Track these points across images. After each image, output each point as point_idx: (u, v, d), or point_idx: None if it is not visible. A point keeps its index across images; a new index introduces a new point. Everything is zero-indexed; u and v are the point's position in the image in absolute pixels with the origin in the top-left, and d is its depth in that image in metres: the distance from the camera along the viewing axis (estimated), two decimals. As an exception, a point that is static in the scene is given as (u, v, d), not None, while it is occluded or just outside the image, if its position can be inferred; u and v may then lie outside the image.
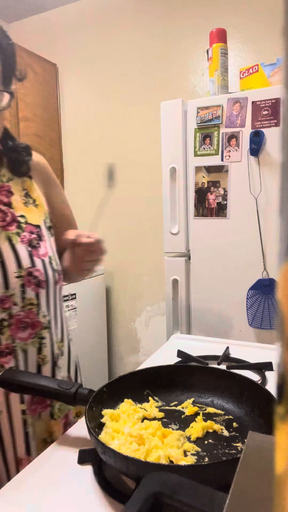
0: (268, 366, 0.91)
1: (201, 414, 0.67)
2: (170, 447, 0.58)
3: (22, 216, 0.80)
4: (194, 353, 1.00)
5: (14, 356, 0.74)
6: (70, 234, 0.81)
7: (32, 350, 0.77)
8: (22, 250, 0.76)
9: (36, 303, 0.77)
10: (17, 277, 0.74)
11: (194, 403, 0.73)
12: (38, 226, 0.81)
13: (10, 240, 0.75)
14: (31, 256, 0.77)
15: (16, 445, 0.76)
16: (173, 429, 0.65)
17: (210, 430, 0.64)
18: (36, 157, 0.91)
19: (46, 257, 0.80)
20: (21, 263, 0.75)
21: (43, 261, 0.79)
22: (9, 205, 0.79)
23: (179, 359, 0.99)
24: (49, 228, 0.86)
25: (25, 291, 0.75)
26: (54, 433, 0.82)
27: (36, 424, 0.79)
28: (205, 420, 0.66)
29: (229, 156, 1.55)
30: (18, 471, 0.75)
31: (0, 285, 0.72)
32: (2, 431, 0.75)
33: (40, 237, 0.81)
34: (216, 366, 0.93)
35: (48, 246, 0.83)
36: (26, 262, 0.76)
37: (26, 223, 0.80)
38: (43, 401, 0.80)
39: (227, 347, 1.04)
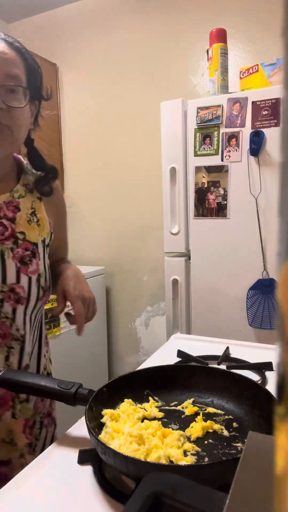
0: (268, 366, 0.91)
1: (201, 414, 0.67)
2: (170, 447, 0.58)
3: (21, 232, 0.82)
4: (194, 353, 1.00)
5: None
6: (69, 285, 0.84)
7: (0, 357, 0.79)
8: (11, 266, 0.78)
9: (11, 317, 0.79)
10: None
11: (194, 403, 0.73)
12: (35, 244, 0.84)
13: (2, 255, 0.78)
14: (18, 272, 0.79)
15: None
16: (173, 429, 0.65)
17: (210, 430, 0.64)
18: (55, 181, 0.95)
19: (35, 274, 0.82)
20: (6, 278, 0.77)
21: (30, 278, 0.81)
22: (12, 220, 0.81)
23: (179, 359, 0.99)
24: (46, 246, 0.88)
25: (2, 306, 0.77)
26: (14, 431, 0.81)
27: None
28: (205, 420, 0.66)
29: (229, 156, 1.55)
30: None
31: None
32: None
33: (33, 254, 0.83)
34: (216, 366, 0.93)
35: (41, 263, 0.84)
36: (10, 278, 0.78)
37: (24, 239, 0.82)
38: (5, 403, 0.80)
39: (227, 347, 1.04)
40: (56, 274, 0.93)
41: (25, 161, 0.92)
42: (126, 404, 0.70)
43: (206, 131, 1.58)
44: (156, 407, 0.72)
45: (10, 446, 0.81)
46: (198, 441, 0.62)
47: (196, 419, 0.67)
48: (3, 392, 0.79)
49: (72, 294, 0.84)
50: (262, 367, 0.91)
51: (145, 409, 0.70)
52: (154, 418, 0.68)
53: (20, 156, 0.92)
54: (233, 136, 1.53)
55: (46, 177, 0.90)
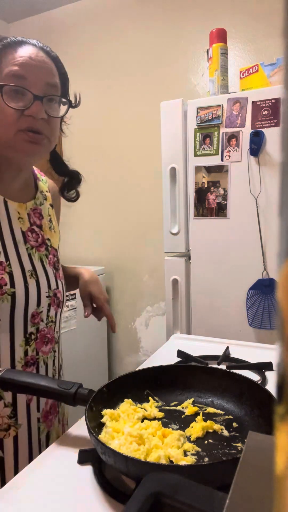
0: (268, 366, 0.91)
1: (201, 414, 0.67)
2: (170, 447, 0.58)
3: (48, 239, 0.86)
4: (194, 353, 1.00)
5: (36, 368, 0.79)
6: (95, 290, 0.91)
7: (50, 363, 0.83)
8: (50, 272, 0.82)
9: (54, 321, 0.83)
10: (47, 296, 0.80)
11: (194, 403, 0.73)
12: (57, 250, 0.88)
13: (42, 261, 0.81)
14: (56, 278, 0.84)
15: (32, 456, 0.78)
16: (173, 429, 0.65)
17: (210, 430, 0.64)
18: (51, 182, 0.96)
19: (63, 280, 0.87)
20: (50, 284, 0.81)
21: (62, 283, 0.86)
22: (40, 227, 0.84)
23: (179, 359, 0.99)
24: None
25: (50, 310, 0.81)
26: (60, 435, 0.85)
27: (51, 433, 0.83)
28: (205, 420, 0.66)
29: (229, 156, 1.55)
30: None
31: (34, 302, 0.77)
32: (18, 444, 0.76)
33: (58, 260, 0.88)
34: (216, 366, 0.93)
35: (61, 269, 0.89)
36: (53, 284, 0.82)
37: (51, 246, 0.86)
38: (55, 410, 0.85)
39: (227, 347, 1.04)
40: (68, 275, 0.96)
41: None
42: (126, 404, 0.70)
43: (206, 131, 1.58)
44: (156, 407, 0.72)
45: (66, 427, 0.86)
46: (198, 441, 0.62)
47: (196, 419, 0.67)
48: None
49: (99, 299, 0.91)
50: (262, 367, 0.91)
51: (145, 409, 0.70)
52: (154, 418, 0.68)
53: None
54: (233, 136, 1.53)
55: (71, 183, 0.92)
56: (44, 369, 0.81)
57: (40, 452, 0.78)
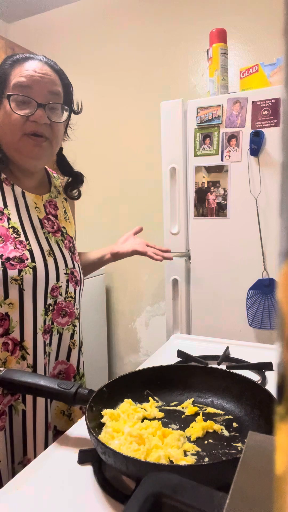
0: (268, 366, 0.91)
1: (201, 414, 0.67)
2: (170, 447, 0.58)
3: (63, 227, 0.96)
4: (194, 353, 1.00)
5: (50, 335, 0.87)
6: (127, 246, 1.11)
7: (66, 334, 0.91)
8: (67, 254, 0.92)
9: (73, 297, 0.93)
10: (65, 273, 0.90)
11: (194, 403, 0.73)
12: (72, 238, 0.99)
13: (58, 244, 0.91)
14: (72, 259, 0.94)
15: (36, 442, 0.83)
16: (173, 429, 0.65)
17: (210, 430, 0.64)
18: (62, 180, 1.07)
19: (79, 263, 0.98)
20: (67, 263, 0.91)
21: (78, 265, 0.96)
22: (56, 216, 0.95)
23: (179, 359, 0.99)
24: (75, 241, 1.03)
25: (68, 286, 0.91)
26: (73, 407, 0.92)
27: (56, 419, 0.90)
28: (205, 420, 0.66)
29: (229, 156, 1.55)
30: None
31: (53, 276, 0.86)
32: (27, 430, 0.82)
33: (74, 246, 0.98)
34: (216, 366, 0.93)
35: (78, 254, 1.00)
36: (70, 263, 0.92)
37: (66, 233, 0.96)
38: (68, 378, 0.93)
39: (227, 347, 1.04)
40: (92, 260, 1.12)
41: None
42: (126, 404, 0.70)
43: (206, 131, 1.58)
44: (156, 407, 0.72)
45: (68, 419, 0.92)
46: (198, 441, 0.62)
47: (196, 419, 0.67)
48: (67, 367, 0.92)
49: (139, 249, 1.09)
50: (262, 367, 0.91)
51: (145, 409, 0.70)
52: (154, 418, 0.68)
53: None
54: (233, 136, 1.53)
55: (74, 183, 1.03)
56: (57, 338, 0.89)
57: (46, 437, 0.84)
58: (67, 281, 0.90)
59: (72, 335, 0.92)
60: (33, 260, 0.82)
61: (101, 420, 0.65)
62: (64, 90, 0.88)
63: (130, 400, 0.71)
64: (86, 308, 2.26)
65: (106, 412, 0.66)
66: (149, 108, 2.33)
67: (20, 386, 0.68)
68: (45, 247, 0.87)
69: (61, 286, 0.88)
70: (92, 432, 0.55)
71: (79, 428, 0.70)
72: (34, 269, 0.82)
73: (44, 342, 0.85)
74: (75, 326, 0.93)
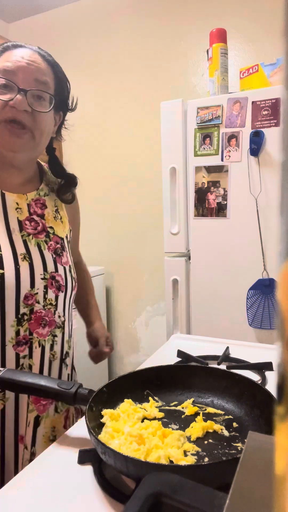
0: (268, 366, 0.91)
1: (201, 414, 0.67)
2: (170, 447, 0.58)
3: (51, 227, 0.89)
4: (194, 353, 1.00)
5: (29, 347, 0.81)
6: (106, 334, 1.09)
7: (47, 346, 0.84)
8: (48, 256, 0.85)
9: (54, 304, 0.85)
10: (42, 278, 0.82)
11: (194, 403, 0.73)
12: (62, 238, 0.91)
13: (39, 246, 0.85)
14: (55, 262, 0.86)
15: (18, 431, 0.80)
16: (173, 429, 0.65)
17: (210, 430, 0.64)
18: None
19: (67, 265, 0.90)
20: (46, 267, 0.84)
21: (64, 268, 0.88)
22: (42, 216, 0.88)
23: (179, 359, 0.99)
24: (68, 242, 0.95)
25: (47, 292, 0.83)
26: (56, 428, 0.86)
27: (43, 419, 0.84)
28: (205, 420, 0.66)
29: (229, 156, 1.55)
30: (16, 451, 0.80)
31: (26, 283, 0.80)
32: (5, 417, 0.79)
33: (63, 248, 0.90)
34: (216, 366, 0.93)
35: (69, 256, 0.92)
36: (50, 267, 0.85)
37: (54, 234, 0.89)
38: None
39: (227, 347, 1.04)
40: (86, 303, 1.14)
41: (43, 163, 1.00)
42: (126, 404, 0.70)
43: (206, 131, 1.58)
44: (156, 407, 0.72)
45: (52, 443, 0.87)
46: (198, 441, 0.62)
47: (196, 419, 0.67)
48: None
49: (109, 341, 1.08)
50: (262, 367, 0.91)
51: (145, 409, 0.70)
52: (154, 418, 0.68)
53: (38, 160, 0.98)
54: (233, 136, 1.53)
55: (67, 185, 0.97)
56: (39, 351, 0.82)
57: (26, 431, 0.80)
58: (45, 287, 0.83)
59: (52, 347, 0.85)
60: (1, 267, 0.76)
61: (101, 420, 0.65)
62: (55, 82, 0.84)
63: (130, 400, 0.71)
64: (86, 308, 2.26)
65: (106, 412, 0.65)
66: (149, 108, 2.34)
67: (20, 386, 0.68)
68: (20, 250, 0.81)
69: (37, 293, 0.81)
70: (92, 432, 0.55)
71: (79, 428, 0.70)
72: (2, 276, 0.76)
73: (18, 354, 0.79)
74: (54, 336, 0.85)
